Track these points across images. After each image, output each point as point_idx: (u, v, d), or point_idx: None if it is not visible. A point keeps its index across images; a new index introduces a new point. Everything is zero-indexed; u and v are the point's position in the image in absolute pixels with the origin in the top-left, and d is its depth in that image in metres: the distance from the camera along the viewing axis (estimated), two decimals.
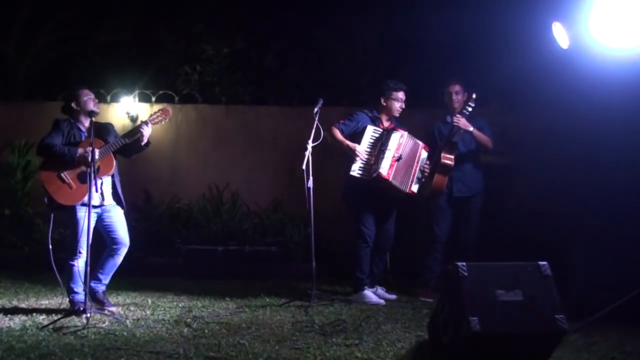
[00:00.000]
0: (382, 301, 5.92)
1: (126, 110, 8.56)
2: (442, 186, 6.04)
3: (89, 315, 4.79)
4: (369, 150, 5.94)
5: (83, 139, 5.32)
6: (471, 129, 6.02)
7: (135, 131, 5.40)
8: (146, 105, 8.64)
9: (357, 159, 5.90)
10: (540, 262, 4.01)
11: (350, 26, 9.25)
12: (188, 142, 8.64)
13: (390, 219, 6.20)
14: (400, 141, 5.89)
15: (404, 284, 6.60)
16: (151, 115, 5.52)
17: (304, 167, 5.72)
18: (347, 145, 5.95)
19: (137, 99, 8.68)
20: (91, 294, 5.45)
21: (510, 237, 6.76)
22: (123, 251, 5.46)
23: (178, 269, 7.24)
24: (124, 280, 6.29)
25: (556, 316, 3.77)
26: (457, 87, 6.21)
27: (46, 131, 5.31)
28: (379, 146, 5.91)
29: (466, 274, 3.88)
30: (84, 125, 5.38)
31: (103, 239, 5.43)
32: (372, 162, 5.89)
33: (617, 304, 4.66)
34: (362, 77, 8.88)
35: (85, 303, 4.88)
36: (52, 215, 5.22)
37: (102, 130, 5.44)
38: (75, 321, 4.88)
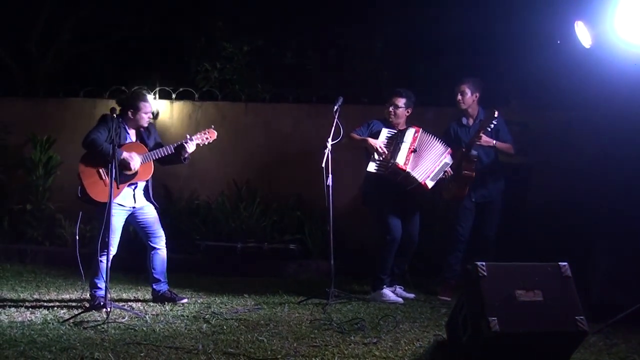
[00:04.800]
0: (401, 300, 5.92)
1: None
2: (463, 194, 6.13)
3: (109, 310, 4.84)
4: (385, 147, 5.98)
5: (127, 140, 5.41)
6: (494, 143, 6.03)
7: (179, 147, 5.51)
8: (166, 102, 8.68)
9: (375, 155, 5.95)
10: (560, 263, 3.99)
11: (369, 24, 9.22)
12: None
13: (415, 223, 6.19)
14: (415, 135, 5.97)
15: (423, 283, 6.58)
16: (197, 134, 5.62)
17: (323, 165, 5.73)
18: (366, 141, 6.00)
19: (157, 95, 8.73)
20: (158, 295, 5.59)
21: (530, 237, 6.73)
22: (162, 244, 5.60)
23: (197, 266, 7.28)
24: (143, 275, 6.33)
25: (576, 317, 3.75)
26: (462, 88, 6.18)
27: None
28: (394, 143, 5.97)
29: (486, 273, 3.87)
30: (130, 127, 5.49)
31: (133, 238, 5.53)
32: (388, 157, 5.93)
33: (638, 306, 4.62)
34: (381, 75, 8.85)
35: (105, 298, 4.93)
36: (80, 212, 5.27)
37: (145, 133, 5.55)
38: (96, 316, 4.93)
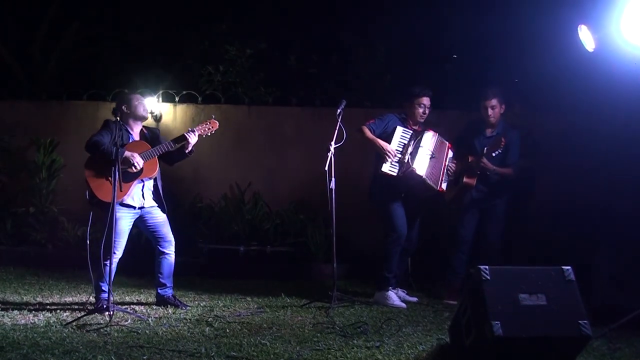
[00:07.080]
0: (404, 305, 5.87)
1: (150, 110, 8.61)
2: (463, 196, 6.25)
3: (112, 313, 4.84)
4: (399, 149, 5.96)
5: (130, 141, 5.40)
6: (494, 169, 6.07)
7: (180, 139, 5.48)
8: (169, 105, 8.68)
9: (388, 158, 5.90)
10: (563, 267, 3.98)
11: (372, 27, 9.22)
12: (210, 142, 8.60)
13: (416, 225, 6.20)
14: (432, 140, 5.99)
15: (425, 287, 6.57)
16: (199, 125, 5.60)
17: (326, 168, 5.72)
18: (379, 144, 5.94)
19: (160, 99, 8.74)
20: (162, 300, 5.57)
21: (534, 241, 6.71)
22: (171, 249, 5.58)
23: (200, 269, 7.28)
24: (146, 278, 6.34)
25: (580, 321, 3.74)
26: (493, 102, 6.14)
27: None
28: (412, 145, 5.94)
29: (489, 277, 3.86)
30: (132, 128, 5.47)
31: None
32: (404, 160, 5.90)
33: None
34: (384, 79, 8.85)
35: (108, 301, 4.93)
36: (91, 213, 5.17)
37: (149, 135, 5.56)
38: (99, 319, 4.92)
